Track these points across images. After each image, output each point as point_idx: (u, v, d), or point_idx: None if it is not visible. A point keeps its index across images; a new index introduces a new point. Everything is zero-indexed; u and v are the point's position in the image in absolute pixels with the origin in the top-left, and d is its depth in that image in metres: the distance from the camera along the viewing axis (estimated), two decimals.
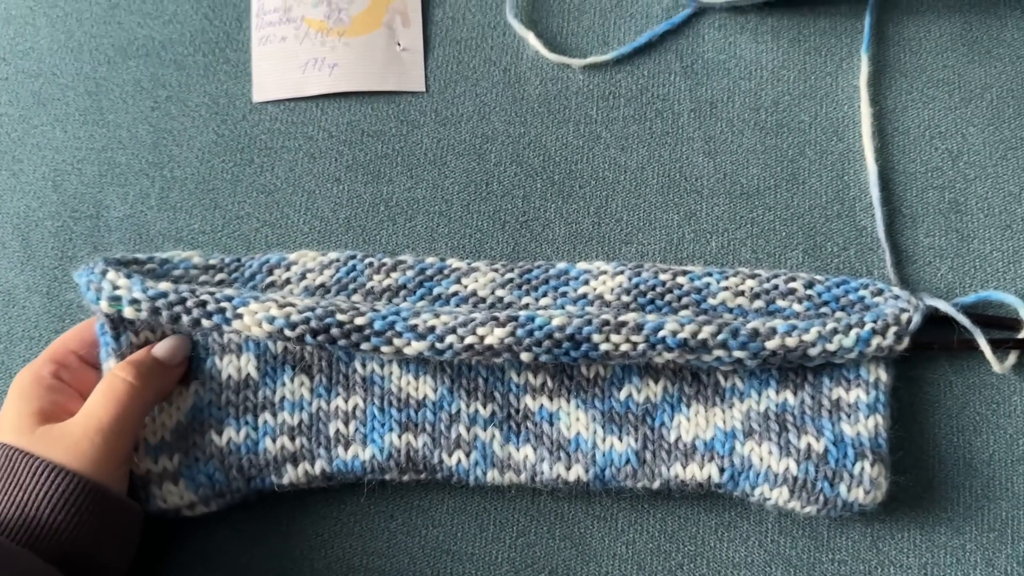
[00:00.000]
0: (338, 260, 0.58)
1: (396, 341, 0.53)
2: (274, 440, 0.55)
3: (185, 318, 0.53)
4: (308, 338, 0.53)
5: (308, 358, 0.56)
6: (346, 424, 0.56)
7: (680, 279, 0.57)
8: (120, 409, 0.51)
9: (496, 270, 0.58)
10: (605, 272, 0.58)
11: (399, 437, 0.55)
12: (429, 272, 0.58)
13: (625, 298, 0.57)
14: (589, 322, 0.53)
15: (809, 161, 0.62)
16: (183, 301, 0.53)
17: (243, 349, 0.56)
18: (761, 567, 0.56)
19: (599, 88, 0.64)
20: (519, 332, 0.52)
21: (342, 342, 0.53)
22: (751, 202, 0.62)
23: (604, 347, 0.53)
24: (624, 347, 0.53)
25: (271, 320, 0.53)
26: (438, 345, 0.53)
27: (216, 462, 0.55)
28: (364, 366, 0.56)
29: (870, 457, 0.53)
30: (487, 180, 0.63)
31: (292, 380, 0.56)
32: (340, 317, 0.53)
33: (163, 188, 0.63)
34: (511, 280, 0.58)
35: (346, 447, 0.55)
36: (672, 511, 0.57)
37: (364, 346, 0.53)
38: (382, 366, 0.56)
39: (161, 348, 0.54)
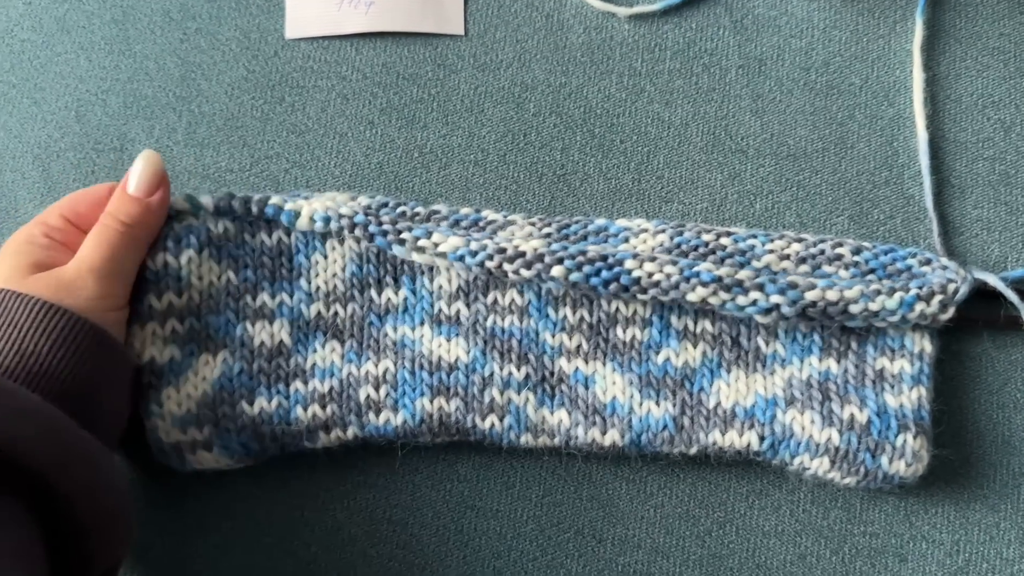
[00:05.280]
0: (369, 207, 0.56)
1: (435, 236, 0.53)
2: (305, 408, 0.54)
3: (255, 209, 0.54)
4: (359, 230, 0.53)
5: (340, 323, 0.55)
6: (377, 389, 0.54)
7: (724, 240, 0.55)
8: (111, 250, 0.51)
9: (533, 223, 0.56)
10: (646, 230, 0.56)
11: (431, 402, 0.54)
12: (464, 224, 0.56)
13: (666, 258, 0.55)
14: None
15: (858, 125, 0.60)
16: (248, 200, 0.55)
17: (276, 315, 0.54)
18: (791, 536, 0.56)
19: (645, 39, 0.62)
20: (554, 246, 0.52)
21: (389, 235, 0.53)
22: (797, 164, 0.60)
23: (636, 273, 0.52)
24: (657, 276, 0.52)
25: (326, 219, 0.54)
26: (472, 246, 0.53)
27: (249, 432, 0.53)
28: (395, 329, 0.55)
29: (913, 429, 0.52)
30: (525, 130, 0.61)
31: (323, 346, 0.55)
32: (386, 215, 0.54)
33: (190, 123, 0.61)
34: (549, 235, 0.56)
35: (377, 413, 0.54)
36: (703, 477, 0.56)
37: (404, 236, 0.53)
38: (413, 328, 0.55)
39: (133, 184, 0.52)
